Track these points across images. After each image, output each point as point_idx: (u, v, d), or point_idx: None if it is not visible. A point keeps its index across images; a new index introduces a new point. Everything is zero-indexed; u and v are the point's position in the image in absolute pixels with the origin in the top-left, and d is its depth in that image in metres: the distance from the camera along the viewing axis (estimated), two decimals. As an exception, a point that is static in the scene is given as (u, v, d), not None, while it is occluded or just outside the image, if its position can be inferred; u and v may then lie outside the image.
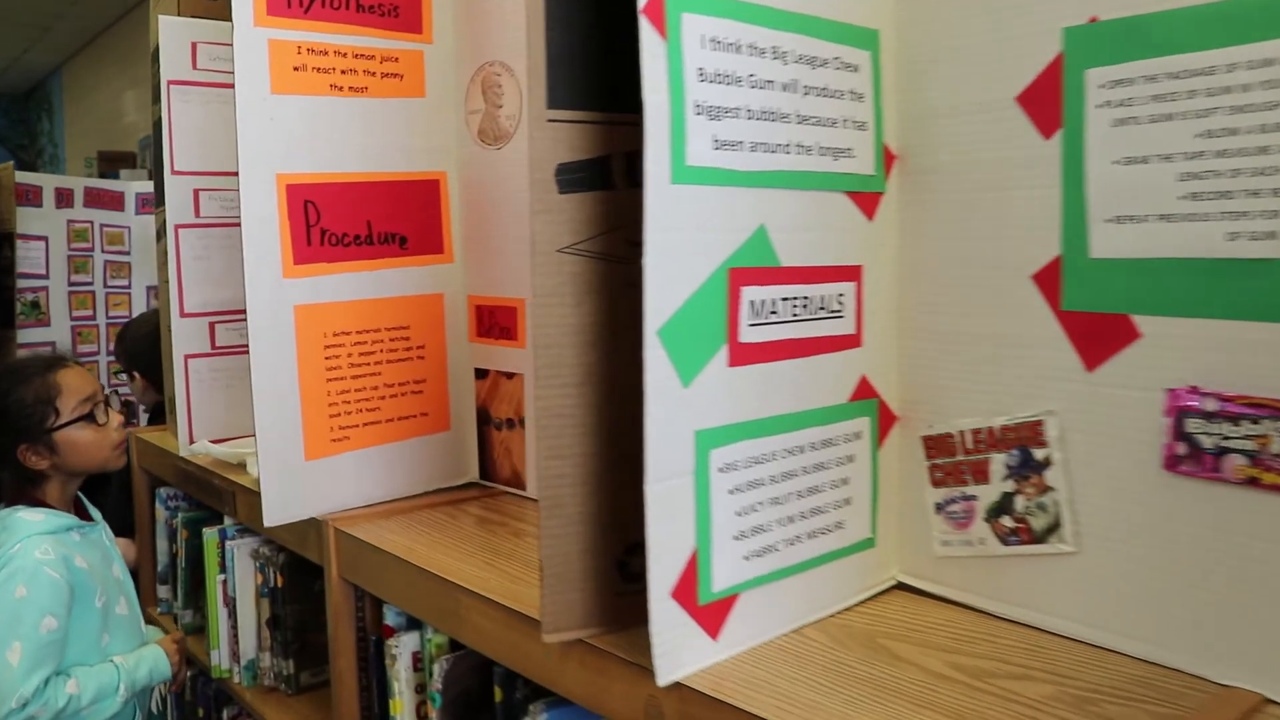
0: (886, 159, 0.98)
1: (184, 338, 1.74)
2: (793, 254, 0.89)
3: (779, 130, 0.87)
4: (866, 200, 0.97)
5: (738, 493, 0.87)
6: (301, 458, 1.30)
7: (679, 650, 0.81)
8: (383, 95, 1.36)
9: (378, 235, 1.36)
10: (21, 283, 2.94)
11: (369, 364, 1.36)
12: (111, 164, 5.76)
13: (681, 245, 0.80)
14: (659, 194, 0.77)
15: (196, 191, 1.74)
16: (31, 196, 3.08)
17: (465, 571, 1.10)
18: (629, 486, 0.88)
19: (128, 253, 3.39)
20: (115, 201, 3.35)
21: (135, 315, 3.36)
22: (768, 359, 0.88)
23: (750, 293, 0.86)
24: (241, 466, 1.58)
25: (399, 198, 1.39)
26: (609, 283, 0.91)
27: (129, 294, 3.39)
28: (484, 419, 1.44)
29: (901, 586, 1.03)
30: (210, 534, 1.63)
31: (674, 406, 0.81)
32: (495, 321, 1.41)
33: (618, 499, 0.92)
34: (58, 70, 8.64)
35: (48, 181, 3.16)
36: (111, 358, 3.33)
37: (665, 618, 0.80)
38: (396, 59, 1.37)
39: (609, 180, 0.91)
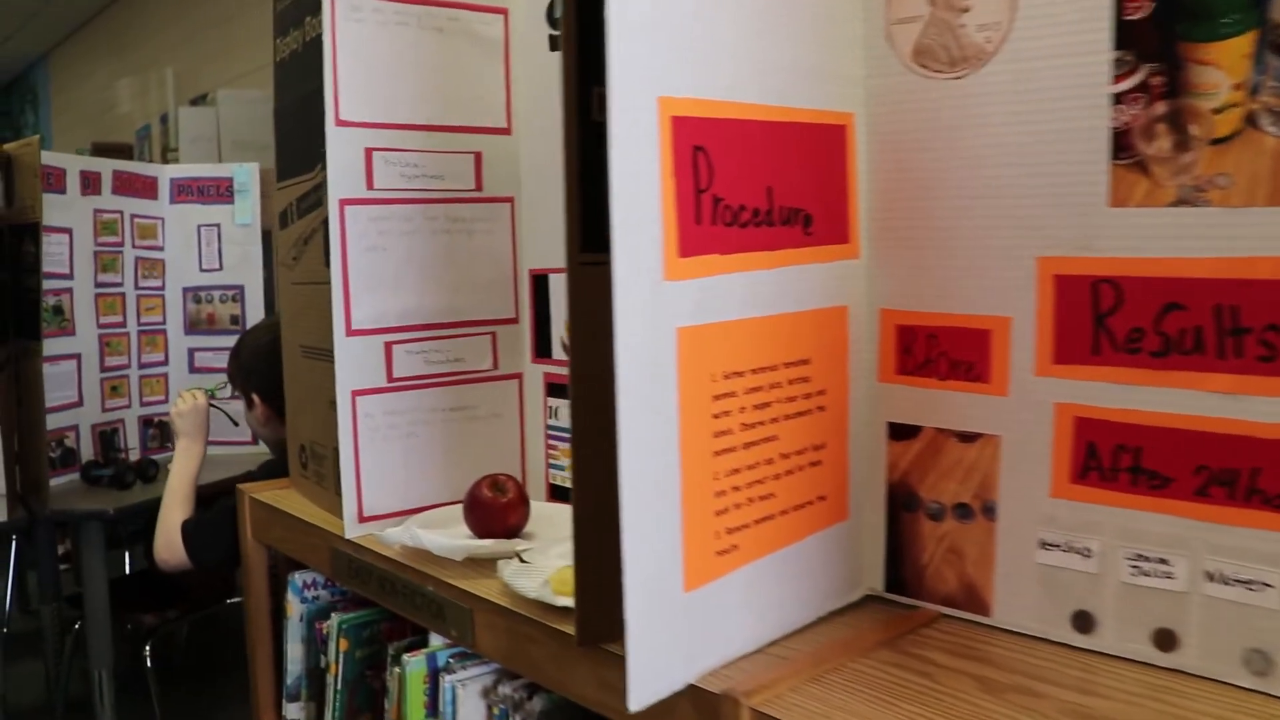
0: None
1: (352, 365, 1.12)
2: None
3: None
4: None
5: None
6: (680, 587, 0.71)
7: None
8: (786, -19, 0.77)
9: (779, 211, 0.78)
10: (43, 284, 2.25)
11: (764, 423, 0.77)
12: (107, 156, 4.99)
13: None
14: None
15: (369, 152, 1.12)
16: (53, 181, 2.38)
17: None
18: None
19: (161, 248, 2.69)
20: (148, 188, 2.66)
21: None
22: None
23: None
24: (479, 564, 0.98)
25: (803, 151, 0.80)
26: None
27: (162, 296, 2.69)
28: (904, 501, 0.87)
29: None
30: (415, 664, 1.02)
31: None
32: (941, 352, 0.83)
33: None
34: (44, 59, 7.69)
35: (72, 164, 2.46)
36: (144, 371, 2.65)
37: None
38: (808, -79, 0.78)
39: None
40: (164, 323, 2.69)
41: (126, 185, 2.58)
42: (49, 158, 2.31)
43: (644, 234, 0.66)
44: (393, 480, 1.15)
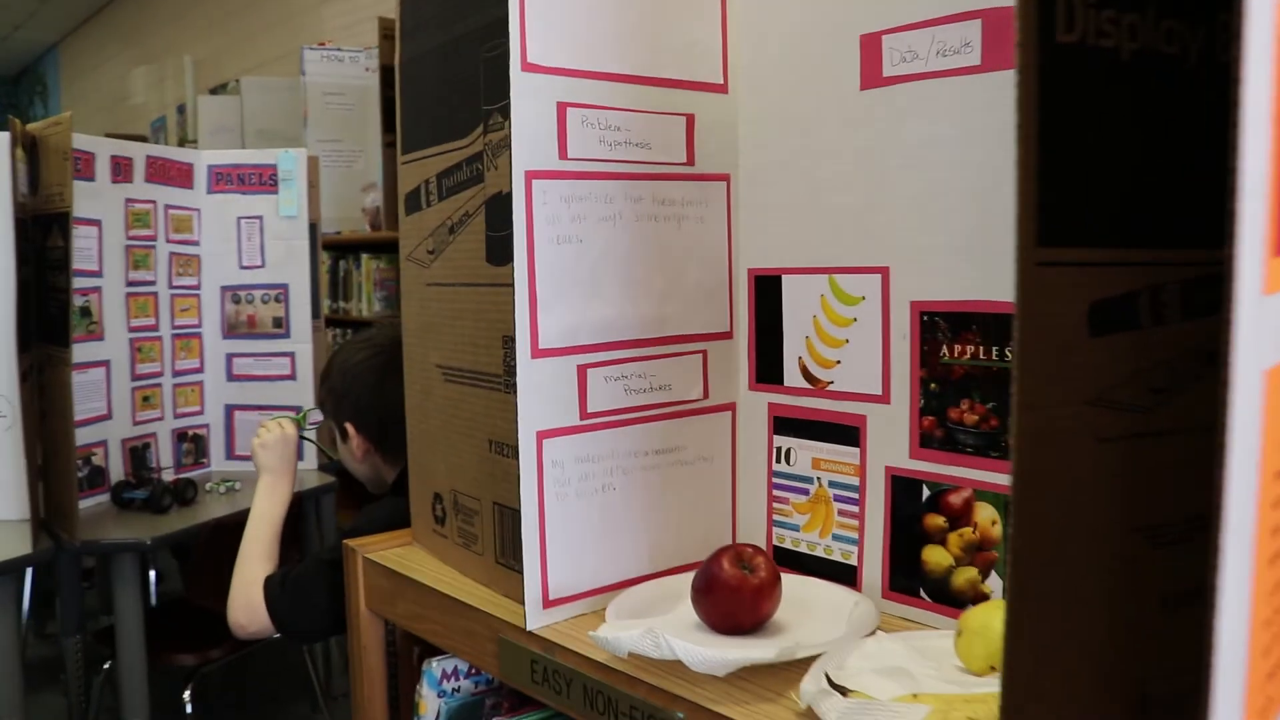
0: None
1: (538, 397, 0.83)
2: None
3: None
4: None
5: None
6: (1235, 780, 0.45)
7: None
8: None
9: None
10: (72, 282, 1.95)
11: None
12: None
13: None
14: None
15: (563, 108, 0.85)
16: (82, 166, 2.08)
17: None
18: None
19: (197, 243, 2.40)
20: (183, 176, 2.36)
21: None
22: None
23: None
24: (745, 675, 0.70)
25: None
26: None
27: (198, 296, 2.40)
28: None
29: None
30: (649, 802, 0.75)
31: None
32: None
33: None
34: (53, 49, 7.31)
35: (102, 148, 2.16)
36: (178, 379, 2.36)
37: None
38: None
39: None
40: (199, 325, 2.40)
41: (160, 172, 2.29)
42: (79, 141, 2.01)
43: (1256, 221, 0.39)
44: (584, 550, 0.87)
